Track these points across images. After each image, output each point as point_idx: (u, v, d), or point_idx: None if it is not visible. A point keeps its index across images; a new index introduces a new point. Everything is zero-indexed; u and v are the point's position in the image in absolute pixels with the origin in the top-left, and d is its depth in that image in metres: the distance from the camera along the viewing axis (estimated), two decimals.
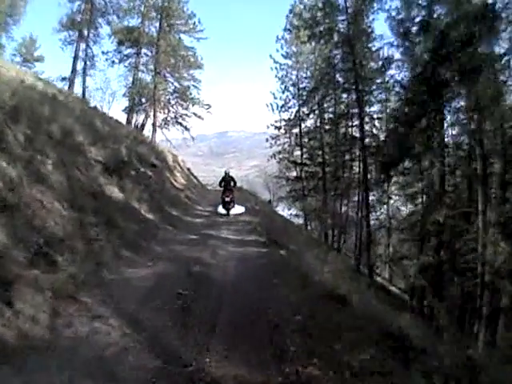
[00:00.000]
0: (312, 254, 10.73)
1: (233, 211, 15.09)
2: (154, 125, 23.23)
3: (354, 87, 25.10)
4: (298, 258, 9.35)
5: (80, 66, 21.19)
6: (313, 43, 27.11)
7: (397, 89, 23.22)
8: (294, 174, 30.53)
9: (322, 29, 24.54)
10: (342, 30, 24.63)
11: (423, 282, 20.47)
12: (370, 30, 24.44)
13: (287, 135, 29.86)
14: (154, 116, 22.79)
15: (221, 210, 15.17)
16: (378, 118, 27.26)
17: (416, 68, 20.51)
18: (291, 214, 31.58)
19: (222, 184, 14.77)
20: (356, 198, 28.00)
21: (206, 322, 5.01)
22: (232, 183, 14.73)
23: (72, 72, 19.42)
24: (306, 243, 13.04)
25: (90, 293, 5.65)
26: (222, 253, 8.74)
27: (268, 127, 29.07)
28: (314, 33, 24.89)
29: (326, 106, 28.61)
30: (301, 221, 30.71)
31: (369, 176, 25.49)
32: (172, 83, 25.03)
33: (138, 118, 23.85)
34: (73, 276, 5.74)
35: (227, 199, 14.30)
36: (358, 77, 23.86)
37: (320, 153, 28.77)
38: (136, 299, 5.68)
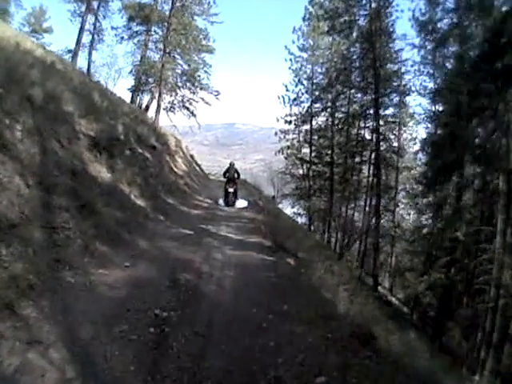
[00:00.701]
0: (322, 264, 9.11)
1: (235, 204, 13.97)
2: (158, 106, 21.58)
3: (371, 87, 23.51)
4: (309, 271, 7.71)
5: (87, 39, 19.89)
6: (330, 38, 25.86)
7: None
8: (300, 171, 28.89)
9: (342, 21, 22.78)
10: (363, 25, 22.88)
11: (432, 301, 19.02)
12: (391, 29, 22.67)
13: (296, 131, 28.18)
14: (160, 96, 21.05)
15: (221, 202, 13.75)
16: (393, 122, 25.44)
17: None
18: (294, 213, 30.01)
19: (226, 175, 14.32)
20: (363, 203, 26.63)
21: (185, 370, 3.40)
22: (236, 175, 14.28)
23: (77, 44, 17.77)
24: (313, 249, 11.43)
25: (36, 303, 4.12)
26: (219, 257, 7.13)
27: (278, 120, 27.42)
28: (334, 25, 23.19)
29: (338, 104, 26.87)
30: (303, 219, 29.21)
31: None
32: (181, 65, 23.48)
33: (143, 99, 22.46)
34: (16, 277, 4.18)
35: (230, 190, 13.78)
36: (377, 76, 22.13)
37: (329, 152, 27.15)
38: (96, 318, 4.09)
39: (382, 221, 25.97)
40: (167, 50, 20.34)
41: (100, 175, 8.52)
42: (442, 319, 18.35)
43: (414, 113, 26.24)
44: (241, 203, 14.19)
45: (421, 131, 32.36)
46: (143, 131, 13.92)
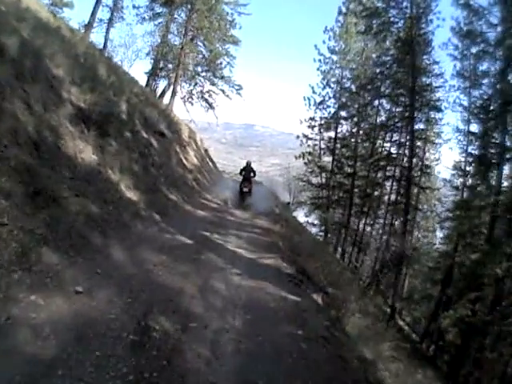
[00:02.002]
0: (356, 303, 6.81)
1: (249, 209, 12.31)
2: (174, 91, 19.24)
3: (403, 99, 21.27)
4: (345, 319, 5.42)
5: (106, 16, 17.77)
6: (362, 43, 23.91)
7: None
8: (318, 179, 26.57)
9: (380, 21, 20.46)
10: (401, 28, 20.51)
11: (456, 339, 16.59)
12: (430, 37, 20.19)
13: (317, 137, 25.87)
14: (176, 81, 18.62)
15: (233, 204, 12.22)
16: (420, 138, 22.79)
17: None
18: (308, 222, 27.68)
19: (243, 173, 13.47)
20: (382, 220, 24.29)
21: None
22: (252, 174, 13.49)
23: (92, 15, 15.59)
24: (341, 275, 9.11)
25: None
26: (221, 288, 4.86)
27: (301, 122, 25.05)
28: (371, 25, 20.87)
29: (365, 113, 24.53)
30: (315, 229, 26.88)
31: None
32: (202, 53, 21.06)
33: (159, 84, 20.24)
34: None
35: (245, 189, 13.15)
36: (413, 87, 19.77)
37: (351, 163, 24.82)
38: None
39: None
40: (189, 34, 18.12)
41: (80, 155, 6.36)
42: (461, 358, 15.99)
43: (441, 131, 23.57)
44: (255, 207, 12.18)
45: (444, 151, 29.64)
46: (152, 115, 11.77)
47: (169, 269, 4.92)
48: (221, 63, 20.89)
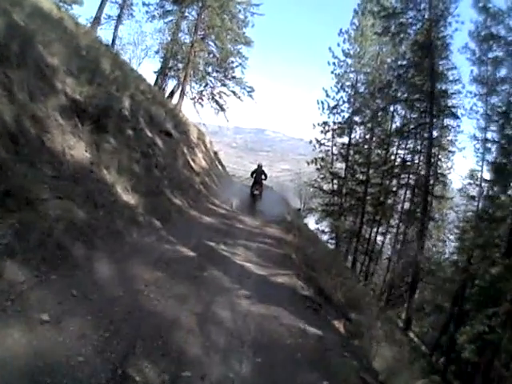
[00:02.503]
0: (382, 330, 5.86)
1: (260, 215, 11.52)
2: (183, 90, 18.25)
3: (419, 104, 20.35)
4: (371, 353, 4.47)
5: (115, 12, 17.06)
6: (377, 47, 23.13)
7: None
8: (329, 186, 25.62)
9: (398, 23, 19.51)
10: (419, 30, 19.54)
11: (472, 356, 15.46)
12: (448, 41, 19.15)
13: (329, 143, 24.92)
14: (185, 80, 17.71)
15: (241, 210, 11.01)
16: (437, 146, 21.65)
17: None
18: (318, 229, 26.68)
19: (254, 176, 13.23)
20: (394, 230, 23.61)
21: None
22: (263, 176, 13.21)
23: (99, 9, 14.80)
24: (363, 296, 8.14)
25: None
26: (225, 317, 3.93)
27: (314, 126, 24.10)
28: (388, 26, 19.96)
29: (379, 119, 23.51)
30: (325, 237, 25.86)
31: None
32: (213, 53, 20.14)
33: (167, 83, 19.39)
34: None
35: (256, 192, 12.84)
36: (432, 92, 18.80)
37: (364, 170, 23.82)
38: None
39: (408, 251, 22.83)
40: (200, 32, 17.22)
41: (70, 152, 5.51)
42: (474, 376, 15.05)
43: (455, 139, 22.42)
44: (267, 214, 11.39)
45: (457, 159, 28.32)
46: (158, 113, 10.95)
47: (163, 290, 4.02)
48: (232, 63, 20.05)
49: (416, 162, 22.85)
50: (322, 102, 23.99)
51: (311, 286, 6.02)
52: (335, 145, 24.86)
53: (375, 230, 24.61)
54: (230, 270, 5.39)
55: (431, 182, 20.31)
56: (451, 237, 25.19)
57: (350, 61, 23.56)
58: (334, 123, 24.32)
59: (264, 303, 4.41)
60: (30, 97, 5.24)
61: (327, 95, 23.98)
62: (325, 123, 24.00)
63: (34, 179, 4.34)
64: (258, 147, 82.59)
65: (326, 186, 25.69)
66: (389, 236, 25.01)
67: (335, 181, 25.07)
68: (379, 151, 24.01)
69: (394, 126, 23.82)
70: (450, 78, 19.98)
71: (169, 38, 17.96)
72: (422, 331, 21.40)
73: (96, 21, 14.99)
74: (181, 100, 17.15)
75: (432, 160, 20.29)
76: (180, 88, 17.35)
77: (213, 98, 21.07)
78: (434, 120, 19.67)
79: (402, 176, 23.21)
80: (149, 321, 3.37)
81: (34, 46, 6.06)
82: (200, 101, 20.74)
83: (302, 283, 5.90)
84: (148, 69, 61.79)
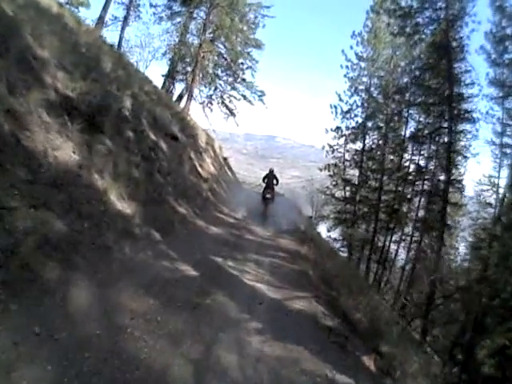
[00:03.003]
0: (418, 364, 4.90)
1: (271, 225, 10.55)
2: (190, 93, 17.34)
3: (435, 108, 19.32)
4: None
5: (121, 14, 16.42)
6: (390, 50, 22.06)
7: None
8: (342, 193, 24.60)
9: (414, 23, 18.56)
10: (437, 32, 18.58)
11: (494, 371, 14.25)
12: (465, 42, 18.11)
13: (341, 150, 23.95)
14: (193, 81, 16.78)
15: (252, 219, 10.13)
16: (454, 151, 20.49)
17: None
18: (329, 237, 25.62)
19: (265, 181, 12.92)
20: (409, 238, 22.13)
21: None
22: (275, 181, 12.91)
23: (103, 9, 14.09)
24: (392, 323, 7.16)
25: None
26: (230, 363, 2.98)
27: (327, 132, 23.15)
28: (403, 27, 19.04)
29: (393, 124, 22.54)
30: (337, 245, 24.78)
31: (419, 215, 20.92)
32: (224, 57, 19.35)
33: (175, 86, 18.61)
34: None
35: (268, 196, 12.57)
36: (450, 94, 17.83)
37: (378, 177, 22.74)
38: None
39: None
40: (208, 32, 16.37)
41: (54, 153, 4.71)
42: None
43: (469, 144, 21.28)
44: (279, 224, 10.45)
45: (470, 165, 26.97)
46: (163, 115, 10.17)
47: (153, 325, 3.15)
48: (242, 64, 19.16)
49: (431, 168, 21.76)
50: (335, 107, 23.05)
51: (333, 312, 5.11)
52: (347, 151, 23.89)
53: (389, 238, 23.51)
54: (238, 294, 4.50)
55: (450, 188, 19.28)
56: (462, 244, 24.16)
57: (363, 64, 22.63)
58: (347, 128, 23.35)
59: (280, 340, 3.50)
60: (8, 89, 4.46)
61: (340, 99, 23.06)
62: (338, 128, 23.06)
63: (2, 184, 3.54)
64: (269, 154, 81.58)
65: (338, 193, 24.71)
66: (402, 244, 23.91)
67: (348, 188, 24.08)
68: (393, 157, 22.97)
69: (408, 131, 22.73)
70: (468, 80, 18.94)
71: (176, 40, 17.22)
72: (433, 339, 20.21)
73: (100, 20, 14.32)
74: (188, 103, 16.33)
75: (455, 165, 19.36)
76: (188, 91, 16.53)
77: (222, 102, 20.26)
78: (449, 124, 18.72)
79: (417, 183, 22.14)
80: (129, 372, 2.50)
81: (22, 36, 5.38)
82: (209, 105, 19.98)
83: (322, 308, 5.00)
84: (156, 72, 60.74)
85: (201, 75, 18.38)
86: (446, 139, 19.27)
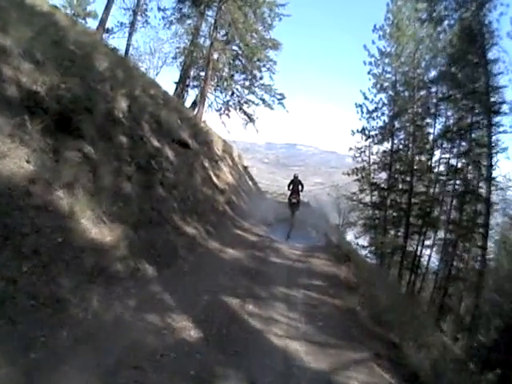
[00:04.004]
0: None
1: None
2: (203, 96, 15.28)
3: (467, 103, 17.34)
4: None
5: (128, 19, 15.16)
6: (413, 44, 20.01)
7: None
8: (370, 198, 22.54)
9: (443, 7, 16.72)
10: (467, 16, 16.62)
11: None
12: (495, 27, 15.98)
13: (366, 153, 21.95)
14: (205, 84, 15.00)
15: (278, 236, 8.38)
16: (485, 146, 18.36)
17: None
18: (357, 244, 23.52)
19: (290, 187, 12.32)
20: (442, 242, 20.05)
21: None
22: (300, 187, 12.37)
23: (105, 10, 12.74)
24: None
25: None
26: None
27: (353, 133, 21.08)
28: (431, 11, 17.23)
29: (420, 123, 20.44)
30: (364, 251, 22.66)
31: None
32: (239, 58, 17.55)
33: (189, 93, 17.14)
34: None
35: (294, 200, 12.00)
36: (487, 83, 15.84)
37: (408, 179, 20.63)
38: None
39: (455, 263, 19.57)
40: (220, 30, 14.83)
41: None
42: None
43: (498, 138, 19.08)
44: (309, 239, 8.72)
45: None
46: (170, 119, 8.60)
47: None
48: (258, 61, 17.34)
49: (463, 166, 19.55)
50: (361, 106, 20.99)
51: (402, 377, 3.30)
52: (375, 153, 21.83)
53: (421, 243, 21.31)
54: (261, 371, 2.75)
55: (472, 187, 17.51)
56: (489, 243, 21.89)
57: (386, 60, 20.65)
58: (374, 128, 21.38)
59: None
60: None
61: (365, 98, 20.98)
62: (364, 129, 21.10)
63: None
64: (291, 162, 79.25)
65: (366, 198, 22.72)
66: (435, 249, 21.66)
67: (375, 192, 22.04)
68: (422, 157, 20.84)
69: (437, 128, 20.59)
70: (501, 67, 16.84)
71: (187, 42, 15.72)
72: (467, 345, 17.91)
73: (101, 24, 12.98)
74: (201, 107, 14.62)
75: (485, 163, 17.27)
76: (201, 95, 14.92)
77: (240, 108, 18.52)
78: (478, 118, 16.84)
79: (448, 183, 19.99)
80: None
81: None
82: (226, 112, 18.32)
83: (388, 376, 3.18)
84: (168, 79, 59.25)
85: (215, 79, 16.82)
86: (474, 135, 17.68)
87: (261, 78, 18.20)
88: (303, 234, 9.55)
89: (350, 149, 21.43)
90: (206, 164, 9.76)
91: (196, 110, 14.78)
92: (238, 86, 18.32)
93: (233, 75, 17.66)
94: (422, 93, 19.81)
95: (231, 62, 17.00)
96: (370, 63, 20.70)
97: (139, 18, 14.83)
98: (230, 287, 4.40)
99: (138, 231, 4.68)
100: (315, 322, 3.98)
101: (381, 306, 5.10)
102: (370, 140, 21.60)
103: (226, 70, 17.18)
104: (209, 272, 4.87)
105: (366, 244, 23.43)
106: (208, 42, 14.86)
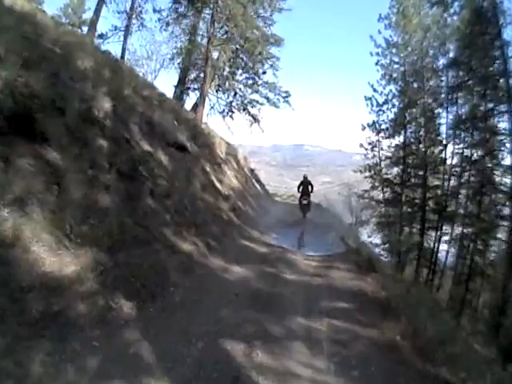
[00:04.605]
0: None
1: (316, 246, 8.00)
2: (202, 95, 14.18)
3: (485, 87, 15.92)
4: None
5: (123, 23, 13.84)
6: (419, 31, 19.05)
7: None
8: (382, 195, 21.31)
9: None
10: None
11: None
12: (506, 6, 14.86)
13: (377, 148, 20.70)
14: (205, 82, 13.86)
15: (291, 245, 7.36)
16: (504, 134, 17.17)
17: None
18: (371, 243, 22.26)
19: (300, 188, 12.48)
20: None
21: None
22: (310, 188, 12.65)
23: (95, 12, 11.87)
24: None
25: None
26: None
27: (363, 128, 19.87)
28: None
29: (430, 114, 19.30)
30: (377, 249, 21.41)
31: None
32: (240, 56, 16.43)
33: (190, 96, 16.21)
34: None
35: (304, 202, 12.23)
36: (504, 68, 14.78)
37: (421, 173, 19.41)
38: None
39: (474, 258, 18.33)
40: (218, 25, 13.79)
41: None
42: None
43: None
44: (326, 247, 7.72)
45: None
46: (165, 121, 7.60)
47: None
48: (259, 55, 16.23)
49: (480, 157, 18.30)
50: (370, 99, 19.88)
51: None
52: (382, 148, 20.66)
53: (438, 238, 20.05)
54: None
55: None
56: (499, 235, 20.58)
57: (394, 50, 19.53)
58: (385, 122, 20.21)
59: None
60: None
61: (374, 90, 19.83)
62: (374, 123, 19.95)
63: None
64: (298, 163, 77.59)
65: (377, 195, 21.54)
66: (452, 243, 20.37)
67: (387, 189, 20.85)
68: (435, 149, 19.61)
69: (449, 118, 19.33)
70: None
71: (185, 43, 14.72)
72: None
73: (92, 26, 12.13)
74: (202, 107, 13.47)
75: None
76: (201, 95, 13.84)
77: (244, 108, 17.42)
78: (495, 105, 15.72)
79: (464, 174, 18.76)
80: None
81: None
82: (230, 113, 17.26)
83: None
84: (168, 84, 57.72)
85: (217, 80, 15.80)
86: (490, 122, 16.55)
87: (264, 73, 17.09)
88: (317, 240, 8.48)
89: (361, 145, 20.27)
90: (208, 168, 8.72)
91: (196, 111, 13.74)
92: (240, 86, 17.27)
93: (234, 73, 16.55)
94: (432, 82, 18.97)
95: (232, 59, 15.92)
96: (377, 54, 19.60)
97: (134, 21, 13.95)
98: (233, 324, 3.35)
99: (116, 255, 3.66)
100: (348, 370, 2.90)
101: (426, 331, 4.00)
102: (382, 134, 20.46)
103: (227, 68, 16.10)
104: (207, 303, 3.82)
105: (379, 242, 22.37)
106: (206, 40, 13.81)
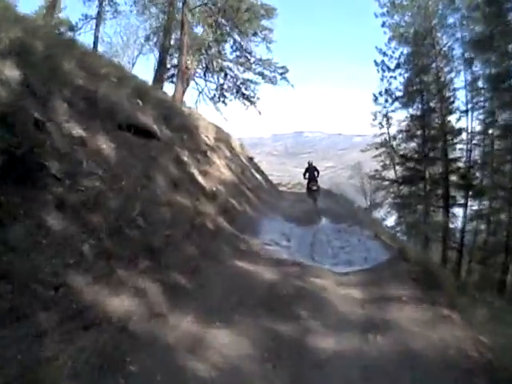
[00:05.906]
0: None
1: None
2: (180, 69, 11.18)
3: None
4: None
5: (94, 11, 12.26)
6: None
7: None
8: (397, 173, 18.98)
9: None
10: None
11: None
12: None
13: (389, 121, 18.62)
14: (182, 52, 10.99)
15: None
16: None
17: None
18: (387, 226, 19.85)
19: (307, 175, 11.68)
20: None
21: None
22: (316, 173, 11.80)
23: None
24: None
25: None
26: None
27: (376, 98, 17.85)
28: None
29: (443, 79, 17.07)
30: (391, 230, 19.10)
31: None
32: (227, 30, 14.05)
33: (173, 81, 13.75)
34: None
35: (314, 188, 11.33)
36: None
37: (440, 145, 17.06)
38: None
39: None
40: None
41: None
42: None
43: None
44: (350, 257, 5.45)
45: None
46: (118, 97, 5.10)
47: None
48: (248, 21, 13.51)
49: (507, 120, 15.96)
50: (381, 64, 17.66)
51: None
52: (391, 124, 18.58)
53: (464, 216, 17.57)
54: None
55: None
56: None
57: (400, 9, 17.00)
58: (398, 89, 17.99)
59: None
60: None
61: (384, 53, 17.52)
62: (387, 90, 17.64)
63: None
64: (299, 150, 74.71)
65: (391, 174, 19.21)
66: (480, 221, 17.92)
67: (404, 165, 18.47)
68: (453, 118, 17.10)
69: (467, 80, 16.61)
70: None
71: (163, 23, 12.20)
72: None
73: (51, 4, 10.02)
74: (180, 84, 10.42)
75: None
76: (178, 68, 11.24)
77: (237, 91, 15.06)
78: None
79: (486, 142, 16.53)
80: None
81: None
82: (222, 98, 14.68)
83: None
84: (145, 66, 54.20)
85: (203, 60, 13.28)
86: None
87: (256, 45, 14.47)
88: (345, 241, 6.15)
89: (375, 117, 17.98)
90: (185, 158, 6.20)
91: (186, 98, 11.24)
92: (230, 65, 14.64)
93: (222, 49, 14.01)
94: (444, 41, 16.67)
95: (216, 29, 13.33)
96: (383, 14, 17.18)
97: (107, 8, 12.23)
98: None
99: None
100: None
101: None
102: (396, 104, 18.05)
103: (211, 36, 13.42)
104: None
105: (393, 223, 20.13)
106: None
